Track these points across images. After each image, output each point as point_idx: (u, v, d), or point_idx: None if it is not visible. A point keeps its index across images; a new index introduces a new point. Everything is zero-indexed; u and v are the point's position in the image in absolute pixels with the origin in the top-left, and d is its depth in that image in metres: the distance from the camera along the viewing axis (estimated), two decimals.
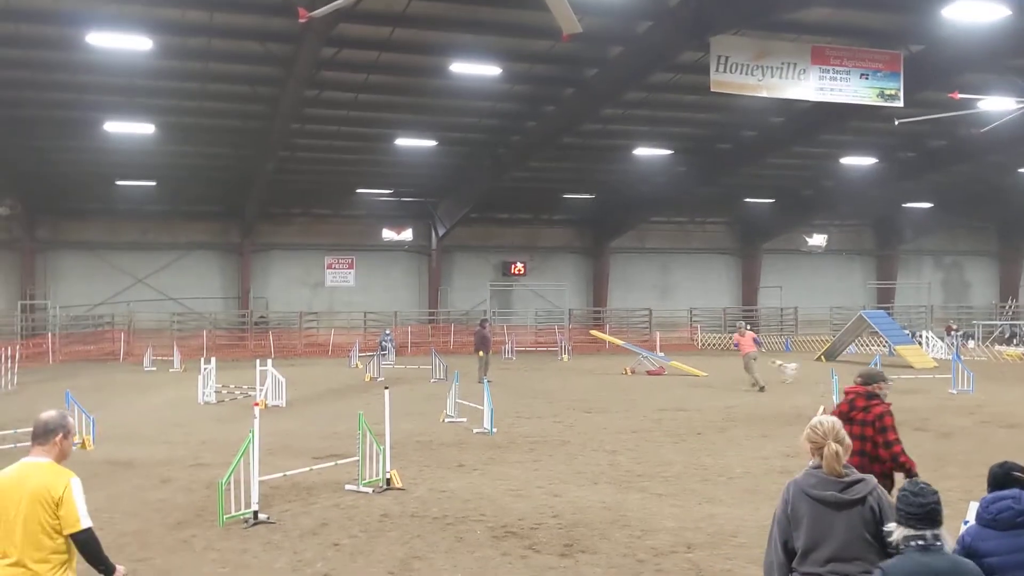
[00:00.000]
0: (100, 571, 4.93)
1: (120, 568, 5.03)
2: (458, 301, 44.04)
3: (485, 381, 17.66)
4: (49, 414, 5.06)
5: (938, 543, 3.68)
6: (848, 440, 4.51)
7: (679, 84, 26.81)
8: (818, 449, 4.44)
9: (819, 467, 4.44)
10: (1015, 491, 4.15)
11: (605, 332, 37.20)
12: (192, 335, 38.65)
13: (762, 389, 22.52)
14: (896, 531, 3.76)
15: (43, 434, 4.98)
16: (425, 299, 43.45)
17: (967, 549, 4.19)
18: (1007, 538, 4.02)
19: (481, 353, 25.36)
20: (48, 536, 4.75)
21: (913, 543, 3.69)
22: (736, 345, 25.83)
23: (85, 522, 4.79)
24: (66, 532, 4.77)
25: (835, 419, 4.62)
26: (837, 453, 4.35)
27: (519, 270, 44.37)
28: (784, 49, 21.96)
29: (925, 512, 3.70)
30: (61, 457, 5.02)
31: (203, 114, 29.08)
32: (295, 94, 25.00)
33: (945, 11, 20.09)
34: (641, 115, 30.36)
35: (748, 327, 25.99)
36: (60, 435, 4.99)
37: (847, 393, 7.59)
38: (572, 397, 21.79)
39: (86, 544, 4.82)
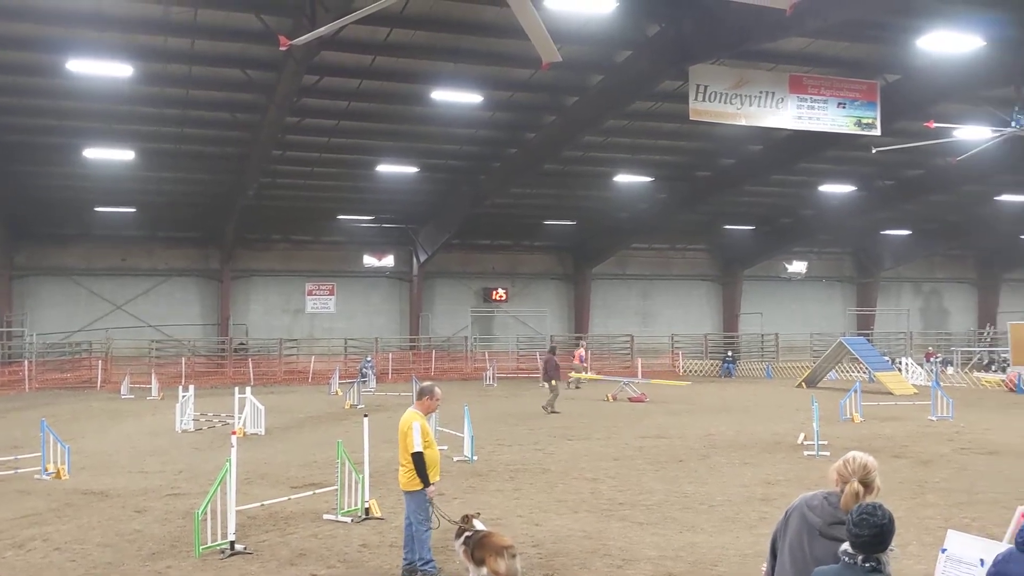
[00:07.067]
0: (422, 481, 8.20)
1: (432, 488, 8.25)
2: (439, 327, 43.94)
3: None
4: (425, 384, 8.79)
5: (867, 564, 3.91)
6: (877, 483, 4.46)
7: (659, 112, 27.04)
8: (844, 482, 4.44)
9: (834, 495, 4.44)
10: None
11: (587, 357, 37.08)
12: (171, 362, 38.32)
13: (578, 387, 32.12)
14: (843, 546, 4.02)
15: (419, 395, 8.59)
16: (406, 325, 43.33)
17: (997, 567, 4.22)
18: None
19: (554, 382, 25.03)
20: (406, 451, 8.26)
21: (846, 557, 3.97)
22: (581, 359, 34.23)
23: (417, 448, 8.16)
24: (409, 452, 8.20)
25: (871, 459, 4.55)
26: (857, 494, 4.34)
27: (500, 296, 44.40)
28: (762, 78, 22.20)
29: (860, 542, 3.92)
30: (426, 409, 8.59)
31: (184, 140, 29.04)
32: (276, 121, 25.00)
33: (920, 42, 20.40)
34: (621, 142, 30.57)
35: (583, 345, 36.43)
36: (426, 396, 8.55)
37: None
38: (553, 424, 21.71)
39: (413, 461, 8.18)
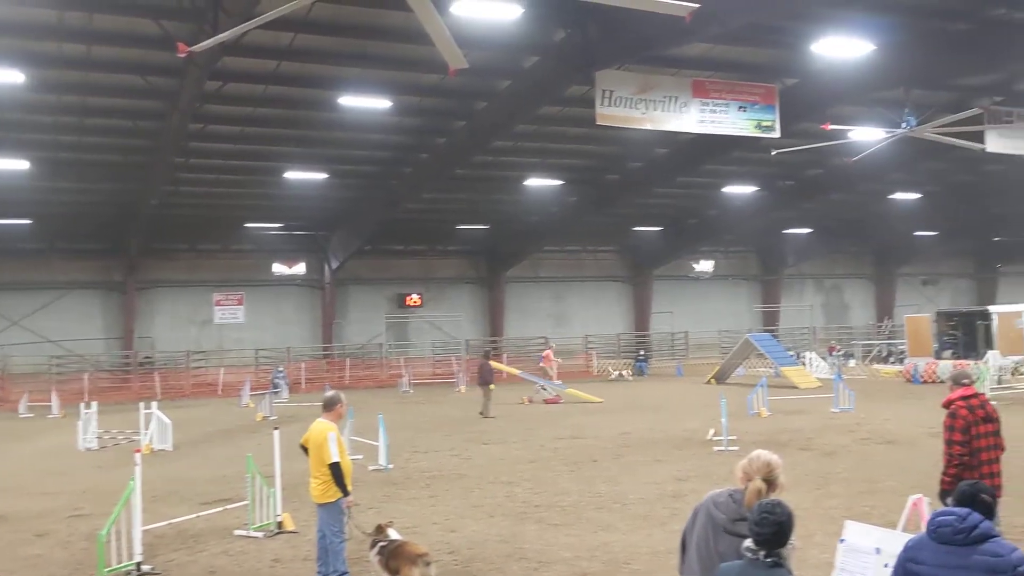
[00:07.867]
0: (341, 490, 8.07)
1: (349, 498, 8.22)
2: (353, 335, 43.48)
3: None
4: (331, 393, 8.67)
5: (769, 559, 4.02)
6: (781, 480, 4.58)
7: (567, 117, 27.31)
8: (748, 479, 4.57)
9: (739, 492, 4.56)
10: (966, 511, 4.21)
11: (503, 362, 37.23)
12: (72, 378, 36.89)
13: (544, 388, 29.69)
14: (746, 542, 4.12)
15: (327, 406, 8.45)
16: (319, 334, 42.72)
17: (907, 552, 4.35)
18: (940, 553, 4.15)
19: (492, 387, 25.08)
20: (321, 463, 8.07)
21: (749, 553, 4.08)
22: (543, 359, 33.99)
23: (334, 459, 8.02)
24: (325, 463, 8.02)
25: (775, 457, 4.67)
26: (759, 491, 4.46)
27: (415, 302, 44.17)
28: (666, 83, 22.59)
29: (761, 539, 4.04)
30: (336, 418, 8.48)
31: (82, 149, 28.09)
32: (178, 128, 24.39)
33: (814, 46, 21.07)
34: (531, 147, 30.78)
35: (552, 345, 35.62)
36: (337, 404, 8.48)
37: (970, 398, 7.60)
38: (470, 429, 21.73)
39: (332, 471, 8.02)
